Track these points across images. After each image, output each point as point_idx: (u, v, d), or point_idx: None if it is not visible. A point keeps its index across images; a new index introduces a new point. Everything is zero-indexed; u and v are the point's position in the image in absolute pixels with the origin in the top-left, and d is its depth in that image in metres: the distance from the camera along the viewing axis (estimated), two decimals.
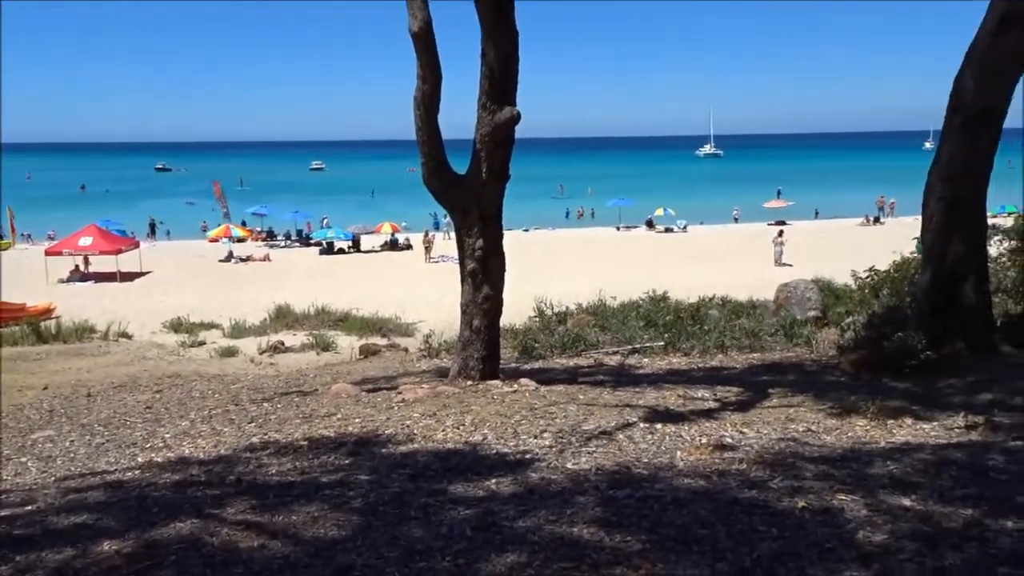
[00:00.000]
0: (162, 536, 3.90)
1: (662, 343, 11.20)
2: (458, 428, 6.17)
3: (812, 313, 14.02)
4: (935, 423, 5.92)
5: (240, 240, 45.65)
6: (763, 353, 10.53)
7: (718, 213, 54.55)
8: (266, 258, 38.77)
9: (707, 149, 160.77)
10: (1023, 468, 4.57)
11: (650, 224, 50.77)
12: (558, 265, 32.94)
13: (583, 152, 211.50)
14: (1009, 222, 14.72)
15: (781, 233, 35.54)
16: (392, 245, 43.01)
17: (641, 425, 6.05)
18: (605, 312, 14.37)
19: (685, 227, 49.26)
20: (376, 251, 42.15)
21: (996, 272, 14.45)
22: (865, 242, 36.09)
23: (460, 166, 8.29)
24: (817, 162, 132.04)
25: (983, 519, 3.71)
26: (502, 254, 8.32)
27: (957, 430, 5.68)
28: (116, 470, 6.00)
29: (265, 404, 8.36)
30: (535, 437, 5.76)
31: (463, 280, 8.35)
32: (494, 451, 5.45)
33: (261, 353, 15.27)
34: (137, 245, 36.83)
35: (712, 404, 6.99)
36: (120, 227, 45.27)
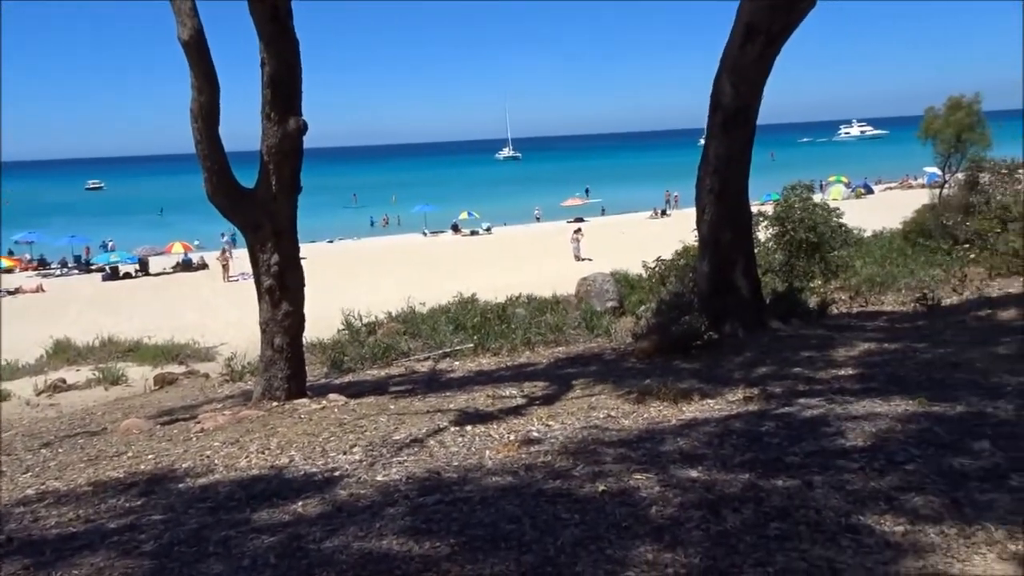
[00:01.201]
0: None
1: (472, 345, 11.36)
2: (263, 453, 5.90)
3: (610, 304, 14.81)
4: (719, 398, 6.42)
5: (7, 271, 41.00)
6: (567, 346, 10.97)
7: (520, 214, 56.16)
8: (39, 289, 35.07)
9: (506, 152, 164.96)
10: (791, 431, 5.06)
11: (456, 228, 51.33)
12: (366, 275, 32.46)
13: (380, 159, 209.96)
14: (766, 208, 16.24)
15: (579, 230, 37.20)
16: (185, 266, 40.42)
17: (452, 429, 6.09)
18: (415, 319, 14.35)
19: (489, 229, 50.25)
20: (168, 273, 39.44)
21: (765, 255, 15.99)
22: (655, 233, 38.51)
23: (248, 179, 7.94)
24: (610, 160, 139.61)
25: (758, 481, 4.08)
26: (300, 268, 8.07)
27: (737, 402, 6.20)
28: None
29: (43, 450, 7.54)
30: (344, 453, 5.63)
31: (260, 298, 8.01)
32: (301, 472, 5.27)
33: (38, 394, 13.79)
34: None
35: (520, 401, 7.17)
36: None
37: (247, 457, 5.83)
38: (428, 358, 11.02)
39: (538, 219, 55.73)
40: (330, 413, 7.15)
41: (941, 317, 9.96)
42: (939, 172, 26.90)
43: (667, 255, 16.01)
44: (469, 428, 6.07)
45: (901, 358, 7.16)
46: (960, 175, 22.55)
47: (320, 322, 13.95)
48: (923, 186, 43.72)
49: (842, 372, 6.82)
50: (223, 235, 42.02)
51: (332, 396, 7.96)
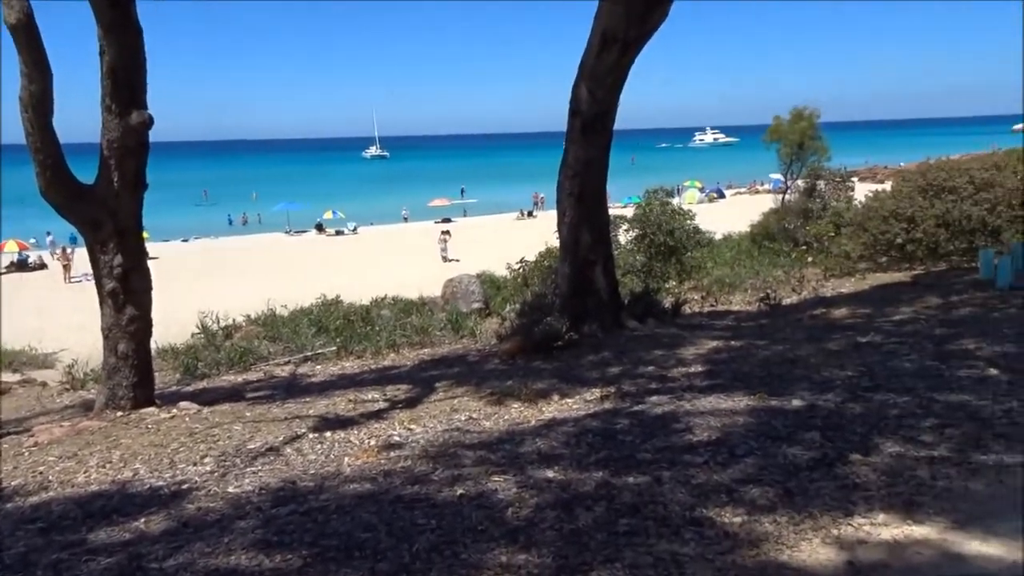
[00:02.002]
0: None
1: (335, 348, 11.13)
2: (104, 467, 5.54)
3: (476, 305, 14.92)
4: (577, 397, 6.59)
5: None
6: (433, 348, 10.93)
7: (387, 214, 55.49)
8: None
9: (373, 151, 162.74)
10: (643, 428, 5.27)
11: (320, 227, 50.09)
12: (223, 275, 31.13)
13: (237, 155, 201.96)
14: (628, 212, 16.82)
15: (447, 231, 37.22)
16: (21, 265, 37.31)
17: (310, 436, 5.94)
18: (275, 322, 13.91)
19: (355, 229, 49.36)
20: (1, 273, 36.33)
21: (625, 256, 16.59)
22: (522, 235, 39.17)
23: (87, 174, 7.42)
24: (481, 160, 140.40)
25: (611, 479, 4.22)
26: (146, 269, 7.62)
27: (594, 401, 6.38)
28: None
29: None
30: (194, 464, 5.37)
31: (102, 302, 7.51)
32: (146, 486, 4.98)
33: None
34: None
35: (382, 404, 7.09)
36: None
37: (86, 472, 5.45)
38: (288, 362, 10.70)
39: (405, 219, 55.28)
40: (180, 422, 6.81)
41: (781, 316, 10.65)
42: (782, 179, 28.74)
43: (532, 256, 16.32)
44: (328, 434, 5.94)
45: (745, 355, 7.60)
46: (800, 182, 24.21)
47: (174, 326, 13.29)
48: (769, 192, 46.63)
49: (691, 369, 7.15)
50: (48, 233, 40.56)
51: (183, 404, 7.58)
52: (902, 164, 54.89)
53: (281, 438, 5.91)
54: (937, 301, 10.18)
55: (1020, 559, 3.18)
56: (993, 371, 6.18)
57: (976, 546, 3.31)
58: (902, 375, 6.22)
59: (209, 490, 4.71)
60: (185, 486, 4.87)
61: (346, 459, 5.18)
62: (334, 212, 51.63)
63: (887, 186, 17.88)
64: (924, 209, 13.55)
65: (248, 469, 5.13)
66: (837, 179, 22.03)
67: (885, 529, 3.49)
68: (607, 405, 6.17)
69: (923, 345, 7.33)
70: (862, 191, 20.44)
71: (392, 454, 5.16)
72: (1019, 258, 11.45)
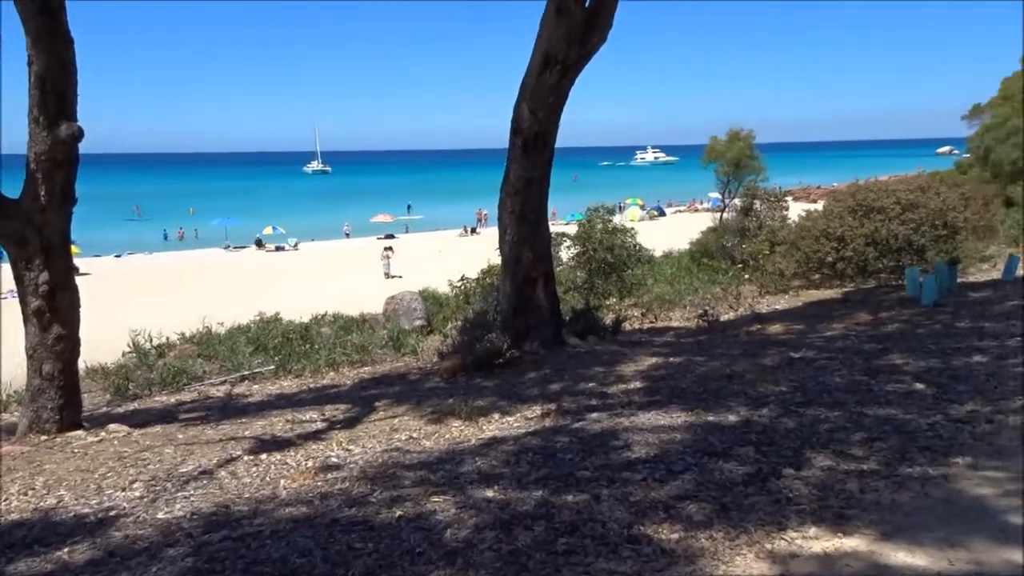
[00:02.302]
0: None
1: (272, 367, 10.92)
2: (26, 494, 5.31)
3: (418, 322, 14.82)
4: (518, 415, 6.58)
5: None
6: (374, 366, 10.82)
7: (329, 229, 54.86)
8: None
9: (315, 165, 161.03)
10: (583, 446, 5.29)
11: (259, 243, 49.20)
12: (158, 292, 30.30)
13: (172, 168, 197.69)
14: (570, 229, 16.97)
15: (389, 247, 36.99)
16: None
17: (245, 458, 5.80)
18: (211, 340, 13.56)
19: (296, 245, 48.64)
20: None
21: (567, 273, 16.71)
22: (465, 251, 39.13)
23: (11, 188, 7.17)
24: (426, 176, 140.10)
25: (550, 497, 4.22)
26: (74, 287, 7.37)
27: (535, 419, 6.39)
28: None
29: None
30: (123, 490, 5.19)
31: (26, 321, 7.23)
32: (71, 514, 4.79)
33: None
34: None
35: (320, 425, 6.98)
36: None
37: (6, 500, 5.21)
38: (224, 382, 10.45)
39: (347, 235, 54.71)
40: (109, 446, 6.58)
41: (719, 332, 10.86)
42: (720, 197, 29.42)
43: (475, 273, 16.30)
44: (264, 456, 5.82)
45: (683, 371, 7.71)
46: (737, 201, 24.81)
47: (104, 344, 12.84)
48: (708, 210, 47.67)
49: (631, 386, 7.22)
50: None
51: (112, 427, 7.33)
52: (834, 185, 56.72)
53: (215, 461, 5.76)
54: (866, 317, 10.51)
55: (943, 568, 3.28)
56: (919, 385, 6.39)
57: (902, 557, 3.40)
58: (833, 390, 6.39)
59: (138, 517, 4.55)
60: (112, 513, 4.70)
61: (282, 482, 5.08)
62: (274, 227, 50.86)
63: (819, 205, 18.42)
64: (854, 228, 13.99)
65: (179, 494, 4.98)
66: (772, 198, 22.63)
67: (816, 542, 3.56)
68: (548, 423, 6.19)
69: (853, 360, 7.54)
70: (796, 210, 21.02)
71: (330, 476, 5.07)
72: (943, 276, 11.92)
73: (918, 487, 4.18)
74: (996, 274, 13.93)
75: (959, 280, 12.93)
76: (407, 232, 56.51)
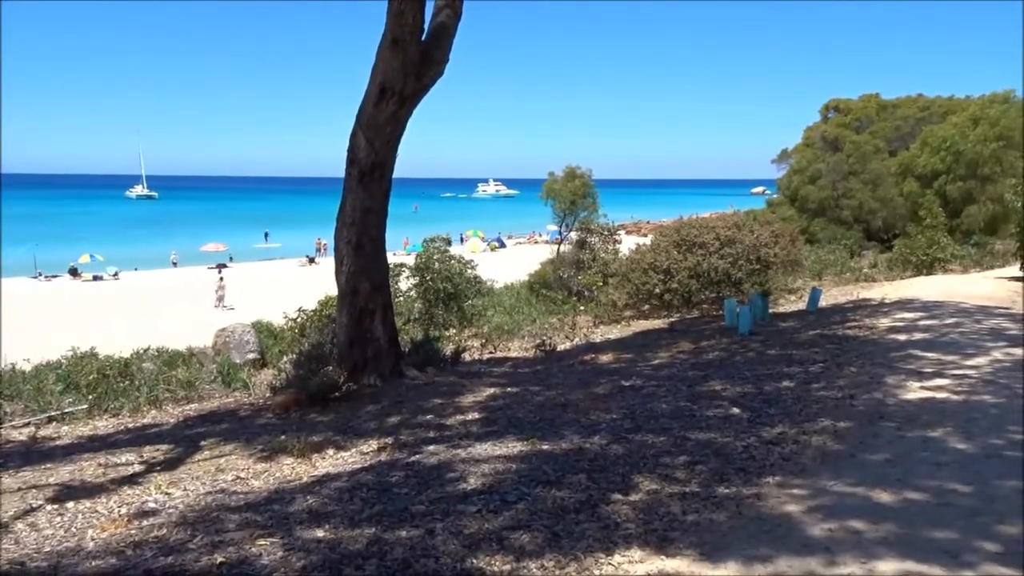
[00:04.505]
0: None
1: (86, 406, 10.06)
2: None
3: (251, 356, 14.16)
4: (353, 450, 6.43)
5: None
6: (201, 403, 10.21)
7: (155, 258, 51.62)
8: None
9: (139, 190, 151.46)
10: (419, 480, 5.23)
11: (75, 272, 45.51)
12: None
13: None
14: (412, 260, 16.91)
15: (221, 277, 35.32)
16: None
17: (48, 507, 5.30)
18: (14, 378, 12.32)
19: (116, 274, 45.37)
20: None
21: (406, 304, 16.61)
22: (304, 282, 38.01)
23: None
24: (258, 203, 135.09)
25: (383, 534, 4.13)
26: None
27: (370, 454, 6.26)
28: None
29: None
30: None
31: None
32: None
33: None
34: None
35: (138, 468, 6.49)
36: None
37: None
38: (28, 424, 9.50)
39: (175, 264, 51.72)
40: None
41: (556, 361, 11.14)
42: (558, 230, 30.38)
43: (313, 305, 15.84)
44: (71, 505, 5.34)
45: (520, 401, 7.83)
46: (574, 235, 25.71)
47: None
48: (547, 242, 49.08)
49: (468, 417, 7.24)
50: None
51: None
52: (662, 220, 60.12)
53: (11, 512, 5.22)
54: (689, 346, 11.15)
55: None
56: (735, 410, 6.83)
57: (719, 574, 3.59)
58: (660, 416, 6.70)
59: None
60: None
61: (90, 532, 4.67)
62: (91, 256, 47.24)
63: (649, 239, 19.44)
64: (678, 262, 14.87)
65: None
66: (606, 232, 23.64)
67: (641, 565, 3.70)
68: (383, 457, 6.08)
69: (678, 387, 7.96)
70: (629, 243, 22.08)
71: (145, 523, 4.71)
72: (757, 307, 12.87)
73: (733, 507, 4.45)
74: (802, 305, 15.20)
75: (771, 310, 13.99)
76: (251, 260, 54.08)
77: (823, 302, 14.70)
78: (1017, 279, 18.11)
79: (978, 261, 24.36)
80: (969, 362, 8.46)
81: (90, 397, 10.39)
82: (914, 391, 7.25)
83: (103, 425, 9.33)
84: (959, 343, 9.63)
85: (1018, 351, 8.93)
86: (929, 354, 8.95)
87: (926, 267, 22.12)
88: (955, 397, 6.94)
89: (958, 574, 3.50)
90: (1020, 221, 18.18)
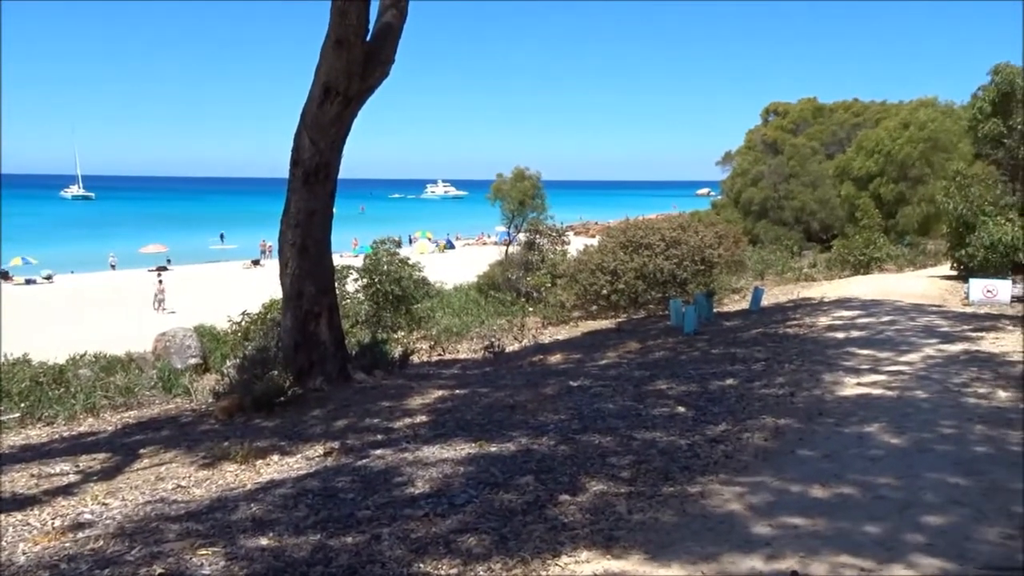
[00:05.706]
0: None
1: (18, 415, 9.72)
2: None
3: (193, 361, 13.85)
4: (299, 455, 6.33)
5: None
6: (140, 410, 9.96)
7: (92, 260, 50.06)
8: None
9: (75, 190, 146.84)
10: (365, 484, 5.18)
11: (6, 275, 43.89)
12: None
13: None
14: (359, 262, 16.76)
15: (161, 280, 34.49)
16: None
17: None
18: None
19: (50, 277, 43.89)
20: None
21: (354, 306, 16.46)
22: (249, 284, 37.32)
23: None
24: (202, 204, 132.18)
25: (328, 541, 4.08)
26: None
27: (316, 459, 6.18)
28: None
29: None
30: None
31: None
32: None
33: None
34: None
35: (73, 478, 6.29)
36: None
37: None
38: None
39: (113, 267, 50.25)
40: None
41: (504, 363, 11.16)
42: (507, 232, 30.44)
43: (257, 308, 15.58)
44: (1, 518, 5.13)
45: (468, 403, 7.82)
46: (522, 236, 25.78)
47: None
48: (496, 243, 49.10)
49: (416, 420, 7.20)
50: None
51: None
52: (610, 221, 60.70)
53: None
54: (636, 346, 11.28)
55: None
56: (681, 409, 6.94)
57: (664, 573, 3.64)
58: (607, 416, 6.76)
59: None
60: None
61: (21, 546, 4.50)
62: (23, 258, 45.64)
63: (597, 240, 19.62)
64: (625, 263, 15.03)
65: None
66: (554, 234, 23.77)
67: (588, 566, 3.72)
68: (330, 462, 6.00)
69: (624, 387, 8.04)
70: (578, 244, 22.24)
71: (80, 535, 4.57)
72: (702, 307, 13.08)
73: (678, 505, 4.51)
74: (745, 304, 15.53)
75: (715, 310, 14.25)
76: (171, 264, 52.61)
77: (765, 301, 15.03)
78: (948, 278, 18.80)
79: (912, 260, 25.21)
80: (903, 358, 8.75)
81: (22, 405, 10.05)
82: (851, 387, 7.46)
83: (36, 434, 9.03)
84: (894, 340, 9.95)
85: (949, 347, 9.27)
86: (865, 351, 9.23)
87: (863, 266, 22.80)
88: (889, 393, 7.17)
89: (889, 567, 3.61)
90: (951, 223, 18.85)
